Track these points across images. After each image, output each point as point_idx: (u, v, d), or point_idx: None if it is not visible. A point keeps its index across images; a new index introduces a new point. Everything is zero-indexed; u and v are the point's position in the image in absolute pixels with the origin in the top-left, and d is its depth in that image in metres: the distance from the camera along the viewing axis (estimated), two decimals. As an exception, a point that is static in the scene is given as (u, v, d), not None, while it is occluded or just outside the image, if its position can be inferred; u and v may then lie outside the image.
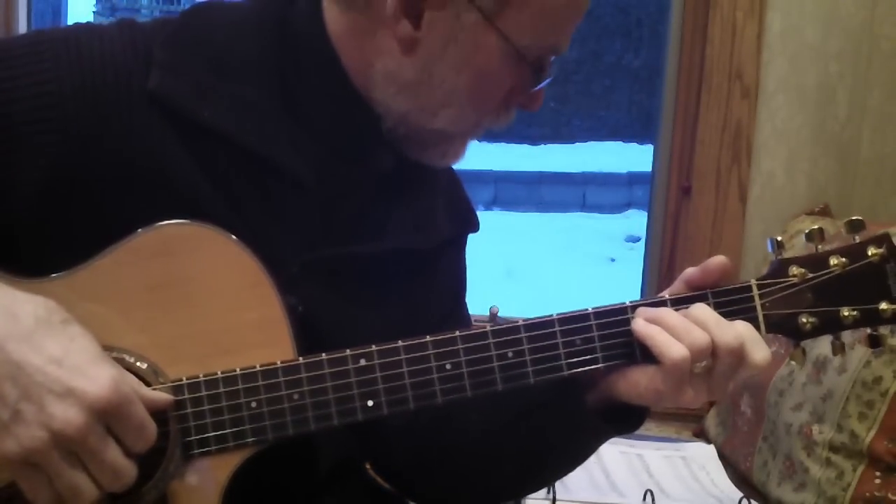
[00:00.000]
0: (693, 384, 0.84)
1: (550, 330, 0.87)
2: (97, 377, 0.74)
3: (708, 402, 1.89)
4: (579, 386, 0.91)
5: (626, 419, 0.92)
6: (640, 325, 0.86)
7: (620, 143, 9.84)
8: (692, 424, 1.92)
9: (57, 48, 0.86)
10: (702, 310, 0.85)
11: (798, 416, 1.48)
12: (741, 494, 1.52)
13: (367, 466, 1.12)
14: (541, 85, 0.94)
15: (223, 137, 0.88)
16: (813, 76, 1.92)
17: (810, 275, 0.88)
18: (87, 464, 0.75)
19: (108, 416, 0.75)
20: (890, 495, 1.32)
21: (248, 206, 0.89)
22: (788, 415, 1.51)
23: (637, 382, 0.87)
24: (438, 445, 1.03)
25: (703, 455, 1.73)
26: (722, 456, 1.73)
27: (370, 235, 0.97)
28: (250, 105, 0.90)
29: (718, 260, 0.89)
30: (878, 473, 1.34)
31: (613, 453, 1.68)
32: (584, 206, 8.75)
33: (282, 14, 0.94)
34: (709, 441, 1.82)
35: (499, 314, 1.89)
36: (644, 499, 1.47)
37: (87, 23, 0.94)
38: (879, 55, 1.90)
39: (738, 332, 0.84)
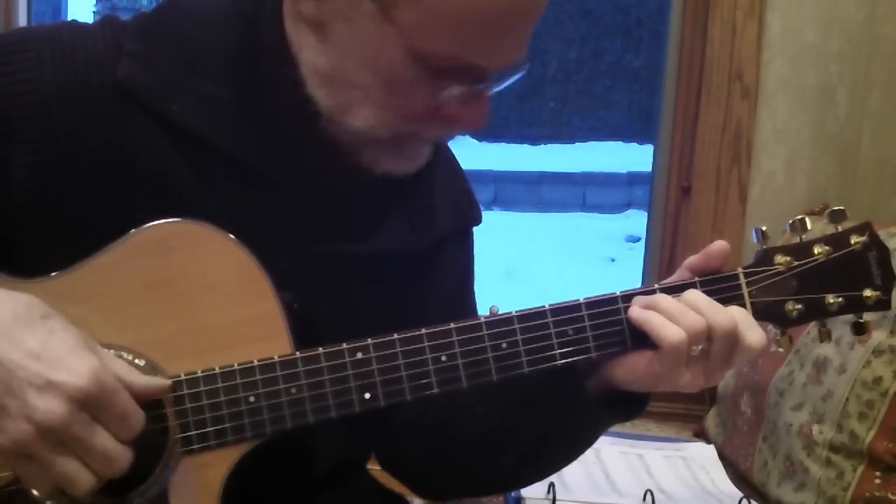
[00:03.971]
0: (690, 367, 0.86)
1: (543, 321, 0.88)
2: (75, 368, 0.75)
3: (708, 402, 1.90)
4: (579, 374, 0.92)
5: (625, 406, 0.93)
6: (636, 311, 0.87)
7: (620, 143, 9.84)
8: (692, 424, 1.92)
9: (41, 46, 0.87)
10: (695, 295, 0.87)
11: (798, 416, 1.48)
12: (741, 494, 1.52)
13: (375, 470, 1.13)
14: (473, 93, 0.86)
15: (191, 133, 0.88)
16: (813, 76, 1.92)
17: (795, 263, 0.90)
18: (76, 452, 0.75)
19: (90, 406, 0.75)
20: (890, 495, 1.32)
21: (229, 202, 0.90)
22: (788, 415, 1.51)
23: (635, 367, 0.88)
24: (445, 438, 1.04)
25: (703, 455, 1.73)
26: (722, 456, 1.73)
27: (362, 235, 0.97)
28: (217, 103, 0.89)
29: (720, 245, 0.91)
30: (878, 473, 1.34)
31: (613, 453, 1.68)
32: (584, 206, 8.75)
33: (253, 10, 0.92)
34: (709, 441, 1.82)
35: (499, 314, 1.89)
36: (644, 499, 1.47)
37: (73, 21, 0.95)
38: (879, 55, 1.90)
39: (732, 315, 0.85)
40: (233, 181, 0.90)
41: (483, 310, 1.79)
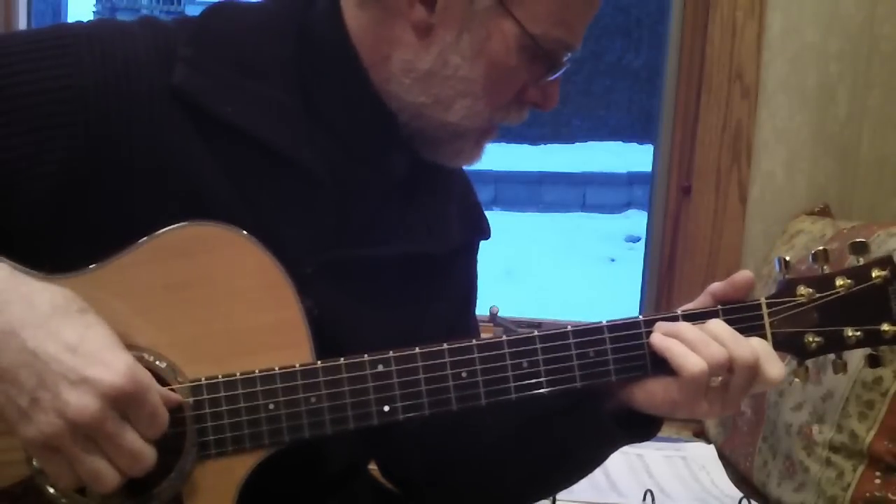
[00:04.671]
0: (709, 397, 0.86)
1: (565, 342, 0.88)
2: (111, 364, 0.75)
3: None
4: (596, 393, 0.92)
5: (640, 427, 0.93)
6: (658, 338, 0.87)
7: (620, 143, 9.86)
8: (692, 424, 1.92)
9: (80, 44, 0.87)
10: (718, 325, 0.87)
11: (798, 416, 1.48)
12: (741, 494, 1.52)
13: (375, 470, 1.12)
14: (552, 76, 0.95)
15: (243, 134, 0.88)
16: (813, 76, 1.92)
17: (817, 295, 0.90)
18: (104, 449, 0.76)
19: (122, 403, 0.75)
20: (890, 495, 1.32)
21: (263, 204, 0.90)
22: (788, 415, 1.51)
23: (653, 393, 0.89)
24: (452, 450, 1.04)
25: (703, 455, 1.73)
26: (722, 456, 1.73)
27: (384, 238, 0.98)
28: (271, 104, 0.91)
29: (745, 276, 0.91)
30: (878, 473, 1.34)
31: (614, 453, 1.68)
32: (584, 206, 8.77)
33: (301, 15, 0.95)
34: (709, 441, 1.82)
35: (499, 314, 1.89)
36: (644, 499, 1.47)
37: (111, 19, 0.95)
38: (879, 55, 1.90)
39: (754, 347, 0.85)
40: (272, 184, 0.90)
41: (483, 310, 1.79)
